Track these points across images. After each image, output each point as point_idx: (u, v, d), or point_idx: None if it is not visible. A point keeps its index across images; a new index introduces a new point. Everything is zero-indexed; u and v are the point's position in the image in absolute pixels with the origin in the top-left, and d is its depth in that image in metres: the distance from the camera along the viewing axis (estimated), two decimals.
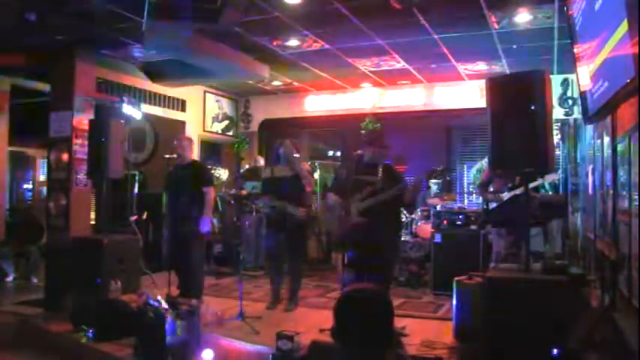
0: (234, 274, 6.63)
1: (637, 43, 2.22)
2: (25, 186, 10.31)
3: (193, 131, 8.20)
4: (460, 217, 6.01)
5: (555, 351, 3.01)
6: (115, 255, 5.33)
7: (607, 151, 4.33)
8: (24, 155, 9.93)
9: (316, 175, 8.12)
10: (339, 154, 9.32)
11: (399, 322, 2.57)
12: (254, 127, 9.49)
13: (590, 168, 5.52)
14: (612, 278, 3.97)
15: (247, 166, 8.95)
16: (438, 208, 6.57)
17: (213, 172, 7.23)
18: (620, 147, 3.74)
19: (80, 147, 6.03)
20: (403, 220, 6.67)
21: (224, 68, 6.79)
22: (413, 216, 6.70)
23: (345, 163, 4.66)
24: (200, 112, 8.62)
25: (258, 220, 7.50)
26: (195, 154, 6.48)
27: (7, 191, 8.06)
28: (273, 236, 5.36)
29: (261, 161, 7.67)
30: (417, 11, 5.07)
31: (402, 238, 6.47)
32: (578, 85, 3.98)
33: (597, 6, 2.96)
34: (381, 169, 4.47)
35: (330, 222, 4.39)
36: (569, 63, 4.58)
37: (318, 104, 8.98)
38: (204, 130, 8.67)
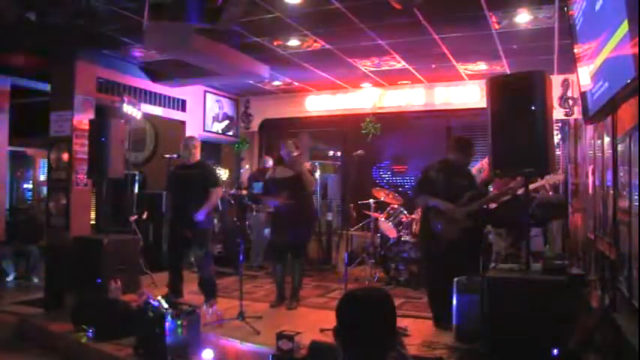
0: (235, 274, 6.63)
1: (637, 44, 2.23)
2: (25, 186, 10.31)
3: (193, 131, 8.20)
4: None
5: (555, 351, 3.01)
6: (115, 255, 5.33)
7: (607, 151, 4.33)
8: (24, 155, 9.92)
9: (316, 175, 8.13)
10: (339, 154, 9.32)
11: (399, 323, 2.58)
12: (254, 127, 9.49)
13: (590, 168, 5.52)
14: (612, 278, 3.97)
15: (248, 166, 8.96)
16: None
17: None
18: (620, 147, 3.75)
19: (80, 147, 6.03)
20: (404, 220, 6.67)
21: (224, 68, 6.79)
22: (413, 216, 6.70)
23: (437, 166, 4.65)
24: (200, 112, 8.62)
25: (259, 220, 7.51)
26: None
27: (7, 191, 8.06)
28: (276, 236, 5.38)
29: (270, 162, 7.68)
30: (417, 11, 5.07)
31: (402, 238, 6.48)
32: (579, 85, 3.99)
33: (598, 6, 2.96)
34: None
35: (447, 227, 4.36)
36: (569, 63, 4.58)
37: (318, 104, 8.98)
38: (204, 130, 8.67)
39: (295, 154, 5.28)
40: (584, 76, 3.68)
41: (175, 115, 8.05)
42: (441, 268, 4.37)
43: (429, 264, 4.72)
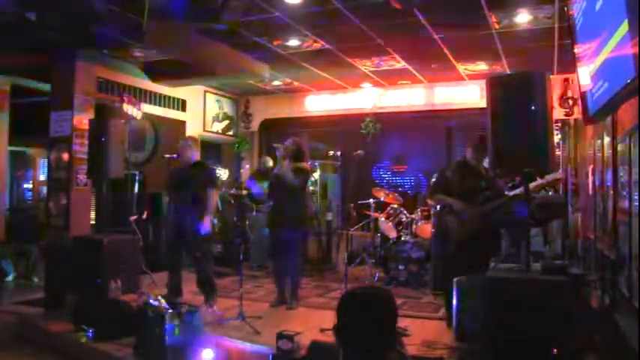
0: (235, 274, 6.63)
1: (637, 44, 2.22)
2: (25, 186, 10.31)
3: (193, 131, 8.20)
4: None
5: (555, 351, 3.01)
6: (115, 255, 5.32)
7: (607, 151, 4.33)
8: (24, 155, 9.93)
9: (316, 175, 8.12)
10: (339, 154, 9.31)
11: (399, 323, 2.58)
12: (254, 127, 9.49)
13: (590, 168, 5.52)
14: (612, 278, 3.97)
15: (248, 166, 8.95)
16: (438, 207, 6.56)
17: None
18: (620, 147, 3.75)
19: (80, 147, 6.03)
20: (404, 220, 6.67)
21: (224, 68, 6.79)
22: (413, 216, 6.70)
23: (453, 166, 4.67)
24: (200, 112, 8.62)
25: (259, 220, 7.50)
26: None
27: (8, 191, 8.06)
28: (274, 235, 5.38)
29: (270, 162, 7.68)
30: (417, 11, 5.07)
31: (402, 238, 6.48)
32: (579, 85, 3.98)
33: (598, 6, 2.96)
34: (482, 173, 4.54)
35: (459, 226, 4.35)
36: (569, 63, 4.59)
37: (318, 104, 8.98)
38: (204, 130, 8.67)
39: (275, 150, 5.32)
40: (584, 76, 3.68)
41: (175, 115, 8.05)
42: (451, 267, 4.38)
43: (438, 263, 4.72)
